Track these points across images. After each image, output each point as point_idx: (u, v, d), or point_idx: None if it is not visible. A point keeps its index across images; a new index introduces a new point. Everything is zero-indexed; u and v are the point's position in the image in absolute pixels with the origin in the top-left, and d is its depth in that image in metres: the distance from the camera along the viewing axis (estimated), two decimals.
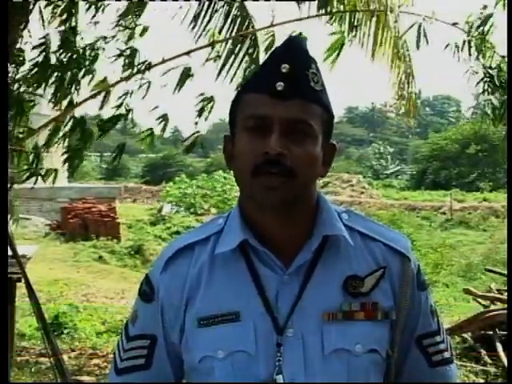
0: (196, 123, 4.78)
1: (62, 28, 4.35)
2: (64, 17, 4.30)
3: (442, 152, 36.28)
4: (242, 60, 5.06)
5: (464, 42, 4.99)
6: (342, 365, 1.17)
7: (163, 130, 4.60)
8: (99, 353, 6.78)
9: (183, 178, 23.16)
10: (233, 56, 5.01)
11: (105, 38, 4.43)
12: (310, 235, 1.22)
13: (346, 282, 1.21)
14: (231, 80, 5.04)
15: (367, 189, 30.30)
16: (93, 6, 4.33)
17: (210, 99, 4.66)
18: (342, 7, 5.02)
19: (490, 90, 4.95)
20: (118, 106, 4.47)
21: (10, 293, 4.60)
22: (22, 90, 4.32)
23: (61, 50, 4.30)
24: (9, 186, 3.99)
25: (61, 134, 4.44)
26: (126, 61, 4.46)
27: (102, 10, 4.37)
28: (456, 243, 17.88)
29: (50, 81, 4.34)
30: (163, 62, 4.63)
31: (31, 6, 4.28)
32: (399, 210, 24.39)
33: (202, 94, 4.67)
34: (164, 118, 4.55)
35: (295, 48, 1.20)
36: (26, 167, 4.34)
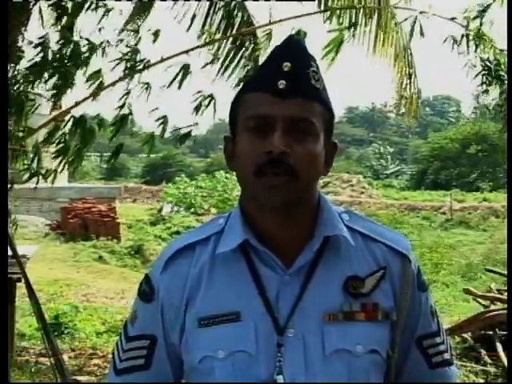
0: (196, 123, 4.78)
1: (62, 27, 4.35)
2: (64, 19, 4.30)
3: (442, 152, 36.28)
4: (241, 58, 5.06)
5: (462, 35, 4.99)
6: (342, 365, 1.17)
7: (163, 132, 4.60)
8: (99, 353, 6.78)
9: (183, 178, 23.17)
10: (231, 54, 5.01)
11: (108, 41, 4.43)
12: (311, 236, 1.21)
13: (347, 283, 1.20)
14: (228, 77, 5.04)
15: (367, 189, 30.29)
16: (97, 11, 4.33)
17: (210, 97, 4.65)
18: (339, 4, 5.01)
19: (487, 82, 4.95)
20: (121, 107, 4.47)
21: (10, 293, 4.60)
22: (21, 89, 4.32)
23: (59, 46, 4.30)
24: (9, 186, 3.98)
25: (60, 132, 4.44)
26: (128, 64, 4.46)
27: (107, 13, 4.37)
28: (456, 243, 17.87)
29: (49, 78, 4.34)
30: (162, 60, 4.62)
31: (31, 6, 4.29)
32: (399, 210, 24.41)
33: (199, 92, 4.66)
34: (164, 119, 4.54)
35: (295, 46, 1.20)
36: (25, 167, 4.35)
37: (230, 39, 5.06)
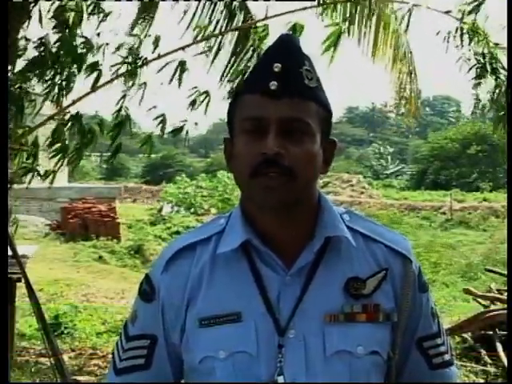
0: (196, 123, 4.78)
1: (61, 27, 4.35)
2: (63, 17, 4.29)
3: (442, 152, 36.27)
4: (238, 53, 5.05)
5: (457, 29, 4.98)
6: (343, 366, 1.17)
7: (162, 131, 4.59)
8: (99, 353, 6.78)
9: (183, 178, 23.17)
10: (228, 49, 5.00)
11: (107, 44, 4.43)
12: (312, 236, 1.21)
13: (348, 284, 1.20)
14: (222, 73, 5.03)
15: (367, 189, 30.29)
16: (99, 16, 4.33)
17: (205, 93, 4.64)
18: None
19: (482, 76, 4.94)
20: (119, 110, 4.47)
21: (10, 293, 4.60)
22: (20, 88, 4.32)
23: (57, 46, 4.30)
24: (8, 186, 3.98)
25: (65, 128, 4.44)
26: (129, 67, 4.46)
27: (105, 19, 4.37)
28: (456, 243, 17.86)
29: (47, 77, 4.34)
30: (159, 57, 4.61)
31: (31, 6, 4.29)
32: (399, 210, 24.41)
33: (195, 87, 4.65)
34: (162, 118, 4.53)
35: (287, 46, 1.19)
36: (22, 165, 4.34)
37: (228, 34, 5.05)
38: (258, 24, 5.00)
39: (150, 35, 4.57)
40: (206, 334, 1.20)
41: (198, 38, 4.90)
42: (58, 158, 4.46)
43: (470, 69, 5.02)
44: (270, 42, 4.88)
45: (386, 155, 48.39)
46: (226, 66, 5.07)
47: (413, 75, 5.54)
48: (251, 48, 5.02)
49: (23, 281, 4.50)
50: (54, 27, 4.25)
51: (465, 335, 6.75)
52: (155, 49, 4.54)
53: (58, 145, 4.44)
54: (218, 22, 5.05)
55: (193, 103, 4.62)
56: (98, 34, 4.35)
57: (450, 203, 24.49)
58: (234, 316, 1.19)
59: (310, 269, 1.20)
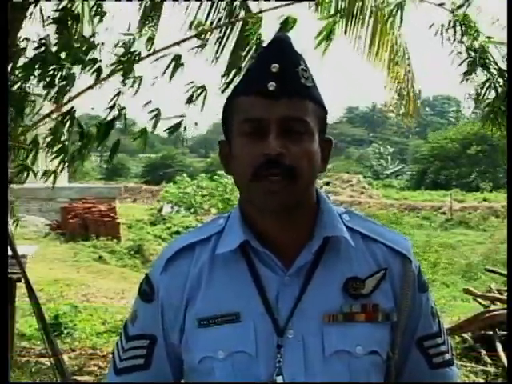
0: (196, 123, 4.76)
1: (62, 27, 4.35)
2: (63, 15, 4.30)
3: (442, 152, 36.28)
4: (234, 48, 5.04)
5: (450, 21, 4.96)
6: (342, 366, 1.17)
7: (154, 125, 4.54)
8: (99, 353, 6.78)
9: (184, 178, 23.16)
10: (223, 42, 5.00)
11: (103, 43, 4.43)
12: (311, 236, 1.21)
13: (347, 284, 1.20)
14: (225, 71, 5.01)
15: (367, 189, 30.30)
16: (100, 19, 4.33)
17: (202, 87, 4.62)
18: None
19: (472, 70, 4.92)
20: (111, 108, 4.45)
21: (10, 293, 4.61)
22: (20, 89, 4.32)
23: (57, 46, 4.30)
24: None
25: (64, 129, 4.43)
26: (125, 65, 4.45)
27: (101, 20, 4.37)
28: (456, 243, 17.88)
29: (48, 77, 4.33)
30: (154, 52, 4.60)
31: (31, 6, 4.29)
32: (399, 210, 24.42)
33: (191, 82, 4.64)
34: (156, 112, 4.50)
35: (282, 46, 1.19)
36: (20, 163, 4.34)
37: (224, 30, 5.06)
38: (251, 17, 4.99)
39: (146, 33, 4.55)
40: (204, 334, 1.20)
41: (196, 34, 4.88)
42: (59, 159, 4.46)
43: (462, 62, 4.98)
44: (263, 34, 4.92)
45: (386, 155, 48.40)
46: (215, 58, 5.05)
47: (410, 75, 5.54)
48: (246, 42, 5.02)
49: (23, 281, 4.51)
50: (56, 28, 4.25)
51: (465, 335, 6.75)
52: (151, 47, 4.52)
53: (59, 146, 4.44)
54: (219, 20, 5.05)
55: (190, 99, 4.60)
56: (94, 34, 4.34)
57: (450, 203, 24.50)
58: (233, 316, 1.19)
59: (308, 269, 1.20)
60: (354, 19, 5.08)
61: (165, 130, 4.60)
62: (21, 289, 4.93)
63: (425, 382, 1.30)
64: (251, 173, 1.16)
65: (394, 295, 1.23)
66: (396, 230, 1.42)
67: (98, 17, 4.32)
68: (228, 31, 5.09)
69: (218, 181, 21.50)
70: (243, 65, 5.03)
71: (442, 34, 4.94)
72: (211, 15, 5.02)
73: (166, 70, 4.51)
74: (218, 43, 5.09)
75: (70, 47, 4.23)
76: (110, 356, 1.38)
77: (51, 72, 4.30)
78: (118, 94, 4.44)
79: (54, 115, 4.51)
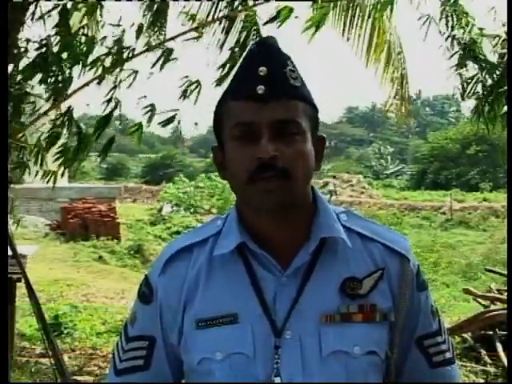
0: (196, 123, 4.76)
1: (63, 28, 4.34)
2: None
3: (442, 152, 36.28)
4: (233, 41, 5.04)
5: (441, 12, 4.93)
6: (339, 367, 1.17)
7: (149, 119, 4.53)
8: (99, 353, 6.78)
9: (181, 178, 23.17)
10: (219, 35, 4.99)
11: (94, 37, 4.42)
12: (308, 237, 1.21)
13: (344, 284, 1.20)
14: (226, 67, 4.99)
15: (367, 189, 30.30)
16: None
17: (196, 82, 4.61)
18: None
19: (463, 63, 4.89)
20: (108, 101, 4.44)
21: (10, 293, 4.61)
22: (19, 90, 4.32)
23: (59, 45, 4.29)
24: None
25: (64, 130, 4.43)
26: (115, 57, 4.43)
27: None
28: (456, 243, 17.86)
29: (49, 78, 4.33)
30: (149, 48, 4.59)
31: (32, 6, 4.29)
32: (399, 210, 24.41)
33: (186, 77, 4.63)
34: (151, 107, 4.48)
35: (268, 49, 1.19)
36: (18, 160, 4.34)
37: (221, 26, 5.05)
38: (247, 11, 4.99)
39: (133, 24, 4.51)
40: (203, 335, 1.21)
41: (190, 28, 4.87)
42: (60, 161, 4.46)
43: (452, 55, 4.96)
44: (260, 28, 4.92)
45: (386, 155, 48.40)
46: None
47: (404, 77, 5.53)
48: (241, 36, 5.02)
49: (23, 281, 4.51)
50: (57, 29, 4.24)
51: (465, 335, 6.76)
52: (138, 37, 4.50)
53: (60, 149, 4.44)
54: (221, 21, 5.05)
55: (184, 93, 4.59)
56: (91, 35, 4.34)
57: (450, 203, 24.49)
58: (231, 317, 1.19)
59: (305, 269, 1.21)
60: (352, 18, 5.08)
61: (159, 124, 4.58)
62: (21, 289, 4.93)
63: (425, 382, 1.30)
64: (246, 177, 1.16)
65: (392, 295, 1.23)
66: (396, 230, 1.41)
67: (98, 17, 4.33)
68: (224, 25, 5.09)
69: (218, 180, 21.50)
70: (239, 58, 5.02)
71: (429, 22, 4.89)
72: (206, 8, 5.00)
73: (155, 63, 4.49)
74: (214, 37, 5.08)
75: (71, 48, 4.23)
76: (110, 356, 1.39)
77: (52, 73, 4.30)
78: (115, 87, 4.43)
79: (52, 115, 4.50)
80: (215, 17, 4.99)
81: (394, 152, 50.99)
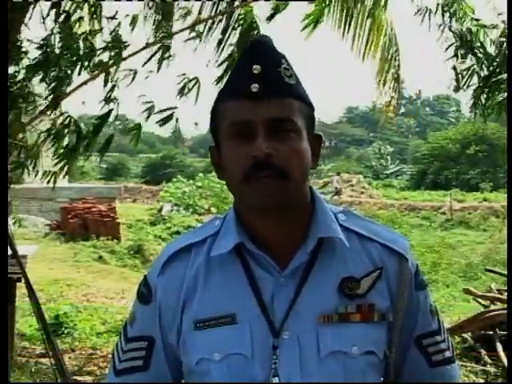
0: (196, 123, 4.76)
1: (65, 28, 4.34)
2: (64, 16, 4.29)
3: (442, 152, 36.28)
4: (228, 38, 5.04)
5: (438, 4, 4.93)
6: (337, 367, 1.17)
7: (147, 117, 4.52)
8: (99, 353, 6.78)
9: (181, 178, 23.16)
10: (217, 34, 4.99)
11: (91, 30, 4.41)
12: (306, 237, 1.22)
13: (342, 284, 1.20)
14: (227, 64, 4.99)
15: (367, 189, 30.28)
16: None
17: (195, 79, 4.60)
18: None
19: (460, 54, 4.89)
20: (106, 100, 4.43)
21: (10, 293, 4.61)
22: (21, 88, 4.32)
23: (60, 45, 4.29)
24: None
25: (65, 131, 4.42)
26: (112, 52, 4.42)
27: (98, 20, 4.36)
28: (456, 243, 17.86)
29: (50, 78, 4.33)
30: (147, 46, 4.59)
31: (32, 6, 4.29)
32: (399, 210, 24.40)
33: (183, 74, 4.62)
34: (150, 106, 4.47)
35: (262, 47, 1.20)
36: (14, 161, 4.34)
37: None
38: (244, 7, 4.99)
39: (127, 15, 4.49)
40: (201, 336, 1.21)
41: (189, 26, 4.87)
42: (61, 161, 4.45)
43: (449, 46, 4.95)
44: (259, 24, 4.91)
45: (386, 155, 48.38)
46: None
47: (394, 77, 5.54)
48: (238, 31, 5.02)
49: (23, 281, 4.51)
50: (59, 29, 4.24)
51: (465, 335, 6.75)
52: (133, 29, 4.49)
53: (61, 151, 4.43)
54: (221, 22, 5.05)
55: (182, 90, 4.58)
56: (90, 32, 4.34)
57: (450, 203, 24.48)
58: (229, 318, 1.19)
59: (304, 270, 1.21)
60: (349, 16, 5.09)
61: (157, 122, 4.58)
62: (21, 289, 4.94)
63: (425, 382, 1.30)
64: (242, 176, 1.16)
65: (390, 294, 1.23)
66: (396, 229, 1.41)
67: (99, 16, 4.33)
68: (221, 22, 5.09)
69: (217, 180, 21.48)
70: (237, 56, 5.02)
71: (430, 17, 4.89)
72: (206, 7, 5.00)
73: (149, 59, 4.48)
74: (213, 36, 5.09)
75: (72, 52, 4.23)
76: (110, 356, 1.39)
77: (53, 73, 4.30)
78: (114, 87, 4.43)
79: (51, 115, 4.50)
80: (212, 14, 4.99)
81: (394, 152, 50.97)
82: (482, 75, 4.81)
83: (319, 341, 1.17)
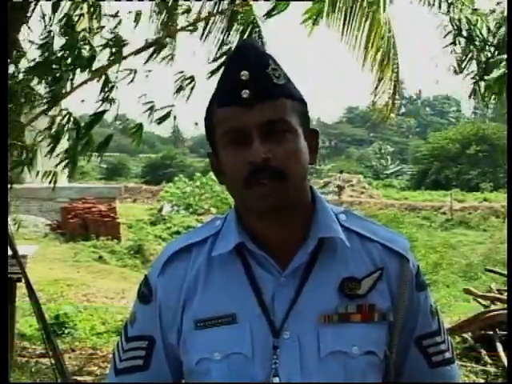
0: (196, 123, 4.76)
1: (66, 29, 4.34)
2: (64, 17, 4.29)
3: (443, 152, 36.29)
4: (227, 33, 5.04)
5: None
6: (338, 367, 1.17)
7: (149, 117, 4.52)
8: (99, 353, 6.79)
9: (181, 178, 23.15)
10: (213, 27, 4.99)
11: (90, 28, 4.41)
12: (306, 237, 1.22)
13: (343, 284, 1.20)
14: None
15: (367, 189, 30.29)
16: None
17: (191, 78, 4.61)
18: None
19: (458, 42, 4.89)
20: (103, 101, 4.43)
21: (10, 293, 4.61)
22: (21, 88, 4.31)
23: (61, 46, 4.29)
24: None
25: (65, 130, 4.42)
26: (113, 49, 4.42)
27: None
28: (456, 243, 17.87)
29: (51, 78, 4.33)
30: (146, 45, 4.58)
31: (32, 6, 4.29)
32: (399, 210, 24.39)
33: (181, 72, 4.63)
34: (151, 106, 4.48)
35: (247, 52, 1.19)
36: (14, 160, 4.34)
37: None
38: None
39: (130, 12, 4.50)
40: (201, 335, 1.21)
41: (187, 25, 4.87)
42: (63, 162, 4.45)
43: (447, 34, 4.95)
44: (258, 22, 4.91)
45: (386, 155, 48.40)
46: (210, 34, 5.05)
47: (393, 78, 5.54)
48: (238, 29, 5.02)
49: (23, 281, 4.51)
50: (61, 30, 4.24)
51: (465, 335, 6.75)
52: (136, 25, 4.49)
53: (62, 150, 4.43)
54: (221, 22, 5.05)
55: (179, 89, 4.58)
56: (90, 31, 4.34)
57: (450, 203, 24.49)
58: (229, 318, 1.19)
59: (304, 270, 1.21)
60: (349, 16, 5.09)
61: (155, 121, 4.59)
62: (21, 289, 4.94)
63: (425, 382, 1.30)
64: (242, 182, 1.16)
65: (391, 295, 1.23)
66: (396, 230, 1.41)
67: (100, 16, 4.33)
68: (221, 20, 5.09)
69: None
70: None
71: (432, 4, 4.89)
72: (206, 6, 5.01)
73: (150, 58, 4.49)
74: (213, 34, 5.09)
75: (72, 52, 4.23)
76: (110, 356, 1.39)
77: (53, 73, 4.30)
78: (112, 87, 4.43)
79: (51, 111, 4.50)
80: (212, 12, 4.99)
81: (395, 152, 50.99)
82: (481, 61, 4.81)
83: (319, 341, 1.17)
